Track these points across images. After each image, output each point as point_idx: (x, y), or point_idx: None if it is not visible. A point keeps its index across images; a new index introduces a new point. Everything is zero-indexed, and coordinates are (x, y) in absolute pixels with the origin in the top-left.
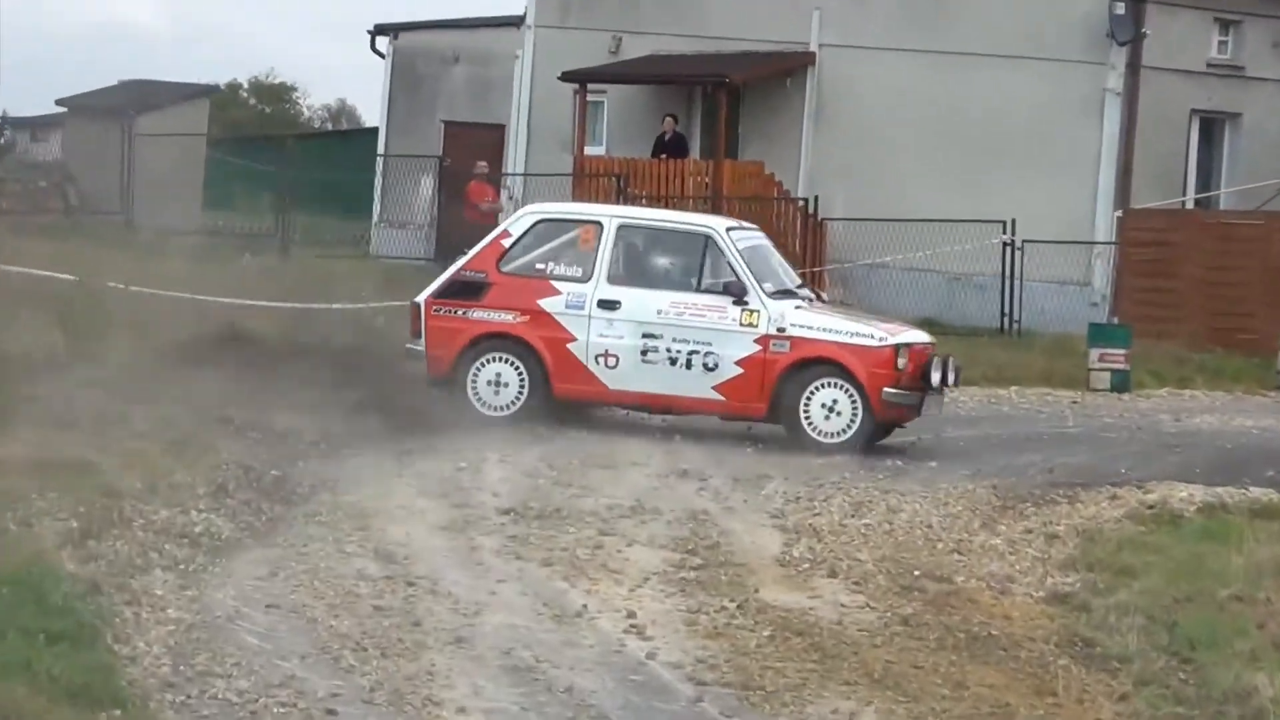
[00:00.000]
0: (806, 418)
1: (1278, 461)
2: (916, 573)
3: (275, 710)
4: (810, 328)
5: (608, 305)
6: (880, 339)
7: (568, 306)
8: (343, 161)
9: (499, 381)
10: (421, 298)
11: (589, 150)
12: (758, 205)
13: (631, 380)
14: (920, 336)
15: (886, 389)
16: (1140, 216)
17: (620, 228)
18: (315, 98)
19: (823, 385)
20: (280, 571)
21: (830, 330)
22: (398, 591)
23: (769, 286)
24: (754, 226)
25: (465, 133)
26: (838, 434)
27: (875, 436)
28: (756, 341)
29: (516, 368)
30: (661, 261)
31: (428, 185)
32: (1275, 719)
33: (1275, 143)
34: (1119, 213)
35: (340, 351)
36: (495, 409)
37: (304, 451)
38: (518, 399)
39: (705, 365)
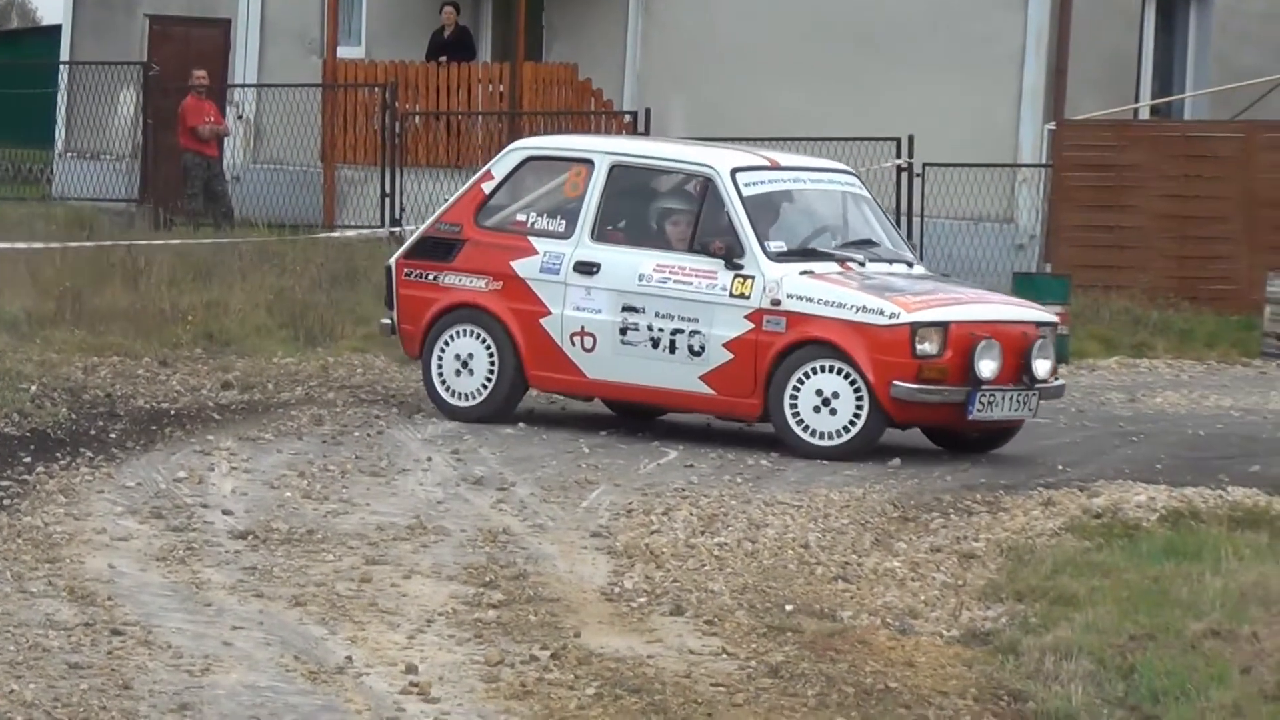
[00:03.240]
0: (795, 414)
1: (1266, 452)
2: (789, 607)
3: None
4: (809, 299)
5: (586, 269)
6: (892, 315)
7: (543, 270)
8: (14, 71)
9: (466, 364)
10: (394, 258)
11: (343, 52)
12: (571, 122)
13: (610, 367)
14: (985, 311)
15: (898, 382)
16: (1079, 130)
17: (613, 167)
18: None
19: (816, 370)
20: None
21: (831, 303)
22: (100, 643)
23: (778, 245)
24: (823, 165)
25: (178, 31)
26: (834, 435)
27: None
28: (748, 317)
29: (488, 347)
30: (654, 211)
31: (128, 102)
32: None
33: (1255, 29)
34: (1051, 125)
35: (16, 321)
36: (462, 398)
37: None
38: (485, 387)
39: (691, 348)
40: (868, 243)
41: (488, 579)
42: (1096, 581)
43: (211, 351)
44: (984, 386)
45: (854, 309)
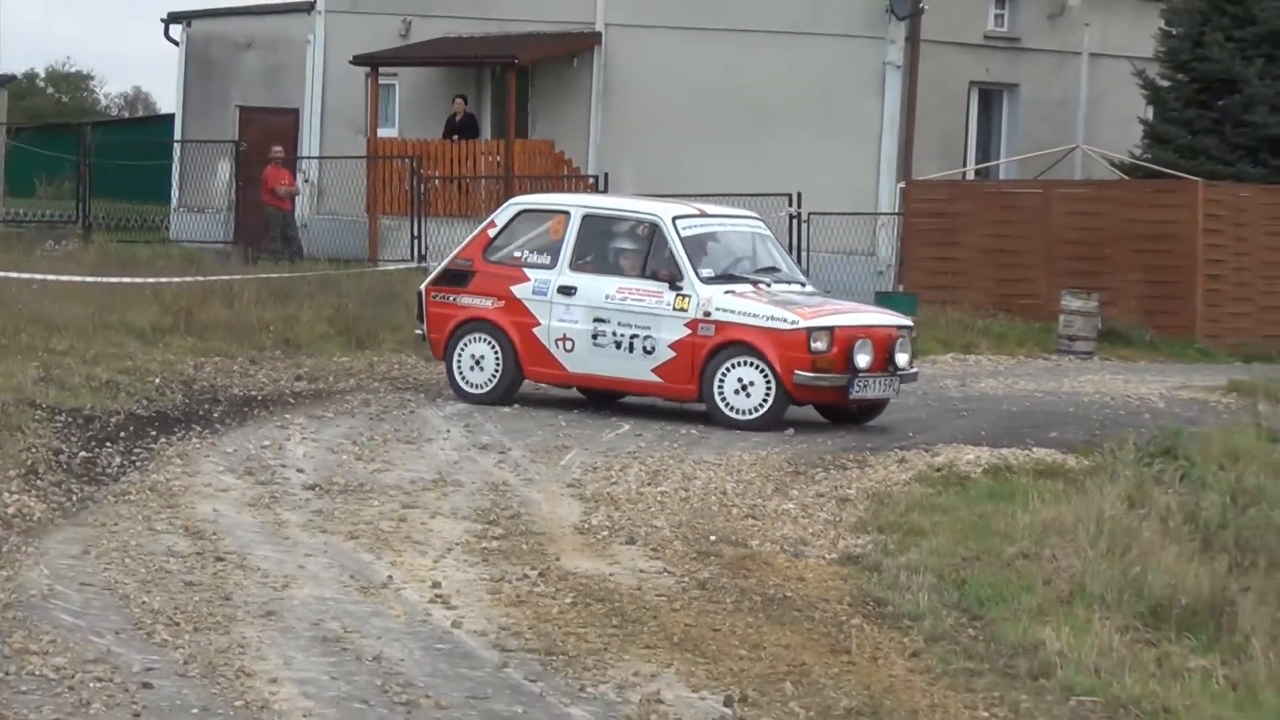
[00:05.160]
0: (721, 396)
1: (1060, 423)
2: (713, 538)
3: (92, 685)
4: (732, 312)
5: (566, 291)
6: (792, 322)
7: (534, 292)
8: (141, 148)
9: (478, 363)
10: (424, 285)
11: (382, 132)
12: (549, 183)
13: (585, 363)
14: (861, 319)
15: (799, 371)
16: (923, 187)
17: (585, 216)
18: (111, 86)
19: (735, 364)
20: (92, 550)
21: (748, 314)
22: (207, 567)
23: (708, 272)
24: (736, 213)
25: (260, 117)
26: (750, 411)
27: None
28: (686, 325)
29: (494, 350)
30: (615, 248)
31: (225, 170)
32: (1063, 672)
33: (1051, 112)
34: (902, 184)
35: (145, 331)
36: (475, 387)
37: (111, 433)
38: (493, 379)
39: (644, 348)
40: (772, 269)
41: (491, 518)
42: (938, 517)
43: (287, 353)
44: (860, 373)
45: (765, 318)
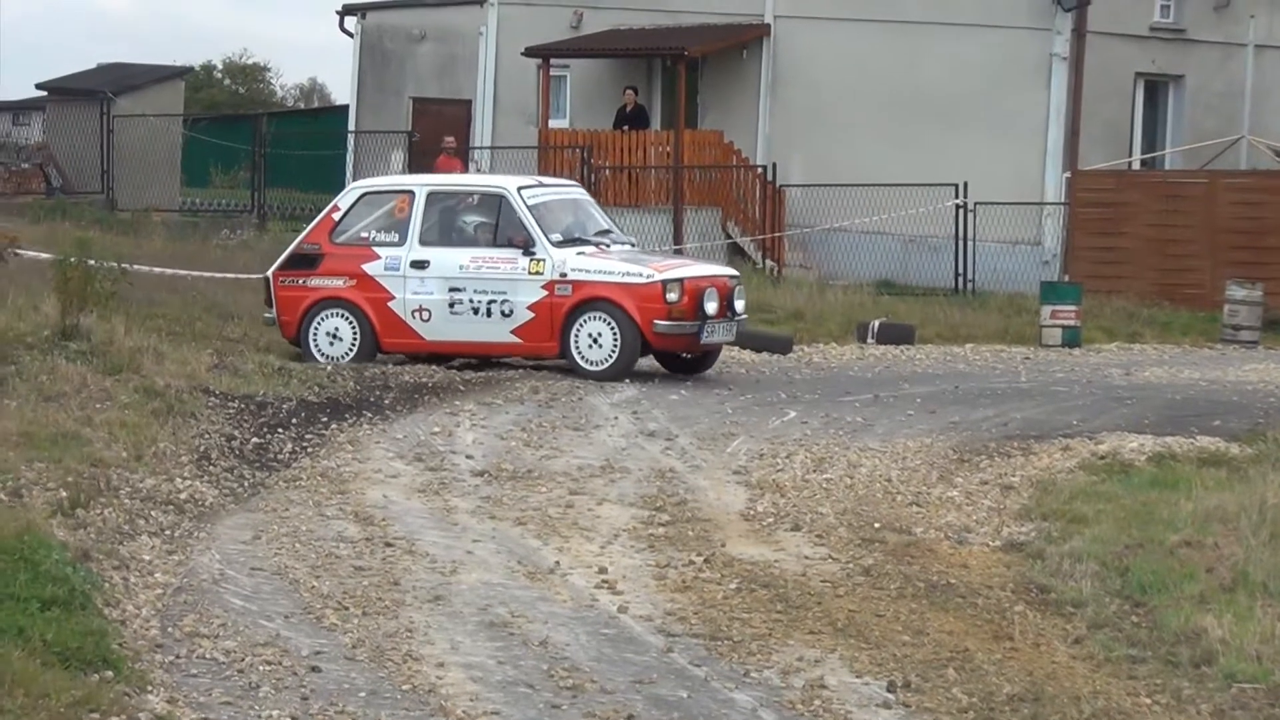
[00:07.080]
0: (576, 349)
1: (1224, 411)
2: (877, 525)
3: (261, 669)
4: (588, 271)
5: (419, 265)
6: (648, 276)
7: (386, 269)
8: (316, 138)
9: (335, 337)
10: (270, 271)
11: (553, 123)
12: (718, 173)
13: (443, 331)
14: (701, 270)
15: (657, 321)
16: (1088, 177)
17: (429, 195)
18: (287, 77)
19: (589, 319)
20: (263, 535)
21: (605, 272)
22: (376, 552)
23: (556, 237)
24: (563, 182)
25: (433, 108)
26: (601, 362)
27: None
28: (543, 287)
29: (351, 324)
30: (464, 221)
31: (398, 159)
32: (1225, 659)
33: (1217, 103)
34: (1068, 174)
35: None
36: (332, 360)
37: (283, 419)
38: (350, 351)
39: (502, 312)
40: (606, 232)
41: (658, 505)
42: (1101, 505)
43: None
44: (709, 320)
45: (621, 274)
